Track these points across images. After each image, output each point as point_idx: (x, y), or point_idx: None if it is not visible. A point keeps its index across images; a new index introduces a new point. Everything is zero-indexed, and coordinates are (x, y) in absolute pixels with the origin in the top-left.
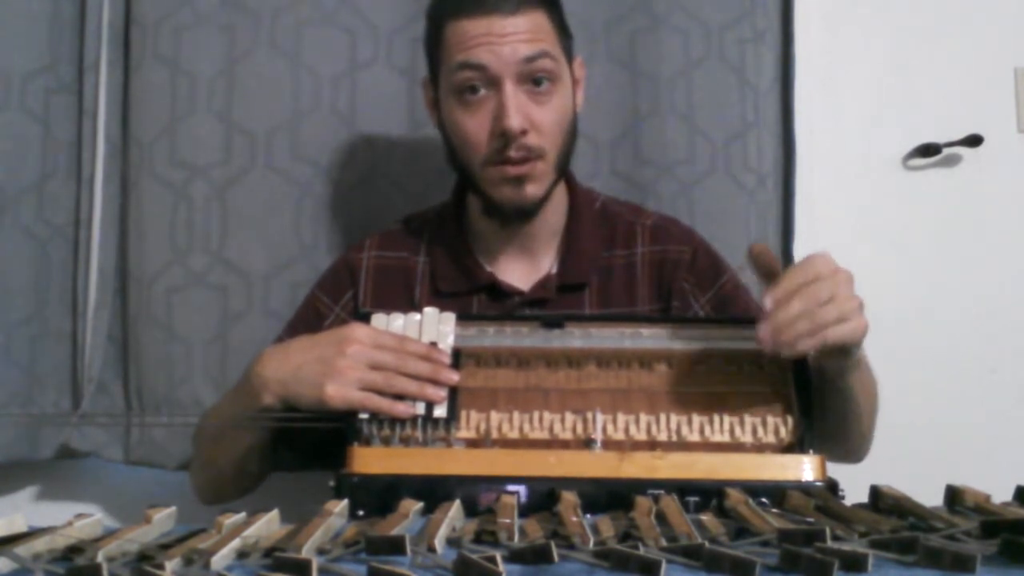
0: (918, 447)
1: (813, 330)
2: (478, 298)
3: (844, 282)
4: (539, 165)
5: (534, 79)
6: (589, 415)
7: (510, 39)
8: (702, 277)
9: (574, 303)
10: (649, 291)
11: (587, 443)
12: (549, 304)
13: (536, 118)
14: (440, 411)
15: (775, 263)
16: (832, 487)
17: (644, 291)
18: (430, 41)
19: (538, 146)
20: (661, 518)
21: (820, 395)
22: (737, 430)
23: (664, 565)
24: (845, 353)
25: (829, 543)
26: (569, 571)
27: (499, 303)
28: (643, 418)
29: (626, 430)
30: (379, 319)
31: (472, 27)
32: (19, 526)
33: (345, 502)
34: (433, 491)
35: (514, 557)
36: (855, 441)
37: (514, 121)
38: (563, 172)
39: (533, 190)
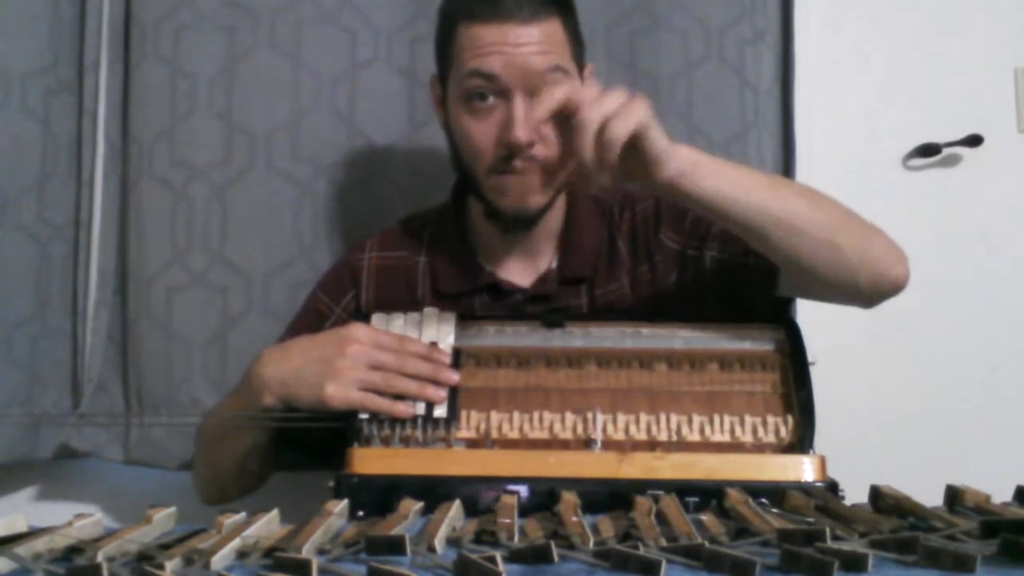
0: (918, 447)
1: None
2: (480, 298)
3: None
4: (543, 176)
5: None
6: (589, 415)
7: (523, 50)
8: (672, 218)
9: (573, 295)
10: (629, 261)
11: (587, 443)
12: (550, 299)
13: (543, 129)
14: (440, 411)
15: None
16: (832, 487)
17: (625, 263)
18: (441, 40)
19: (544, 157)
20: (661, 518)
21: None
22: (737, 430)
23: (664, 565)
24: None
25: (829, 543)
26: (569, 571)
27: (501, 302)
28: (643, 418)
29: (626, 430)
30: (379, 319)
31: (486, 33)
32: (19, 526)
33: (345, 502)
34: (433, 491)
35: (514, 557)
36: (817, 255)
37: (522, 133)
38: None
39: (536, 201)
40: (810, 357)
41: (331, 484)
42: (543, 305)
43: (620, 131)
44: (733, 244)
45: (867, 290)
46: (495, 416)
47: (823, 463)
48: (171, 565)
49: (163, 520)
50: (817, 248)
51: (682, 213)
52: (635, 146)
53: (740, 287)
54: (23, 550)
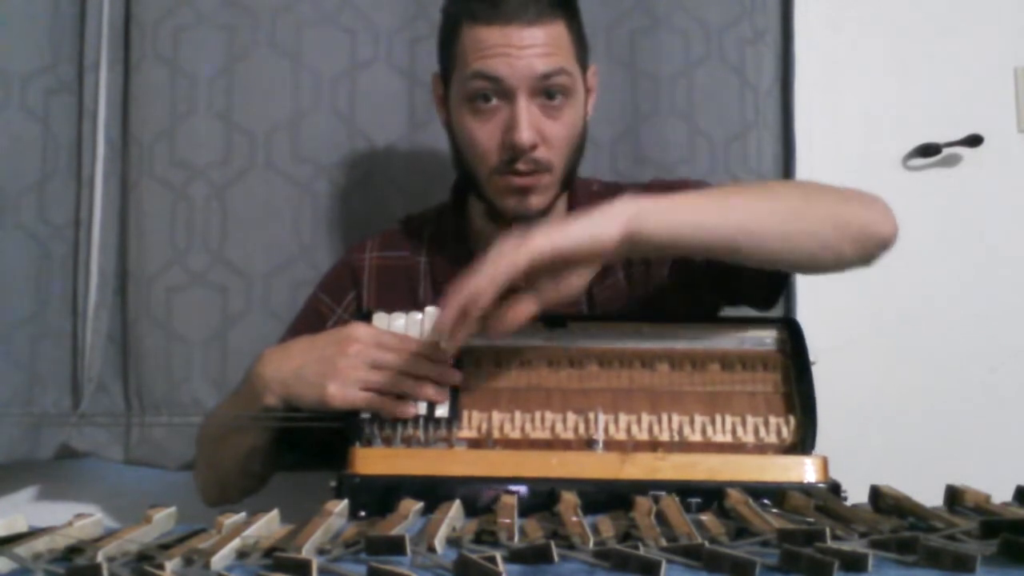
0: (918, 447)
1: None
2: None
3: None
4: (545, 178)
5: (548, 93)
6: (591, 415)
7: (527, 52)
8: None
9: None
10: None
11: (589, 443)
12: None
13: (547, 132)
14: (442, 411)
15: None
16: (835, 488)
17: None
18: (444, 40)
19: (546, 160)
20: (661, 518)
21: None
22: (739, 430)
23: (664, 565)
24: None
25: (829, 543)
26: (569, 571)
27: None
28: (645, 418)
29: (628, 430)
30: (380, 318)
31: (490, 35)
32: (19, 526)
33: (345, 502)
34: (434, 491)
35: (514, 557)
36: (791, 247)
37: (525, 136)
38: (568, 183)
39: (538, 202)
40: (811, 357)
41: (333, 484)
42: None
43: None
44: None
45: (854, 256)
46: (497, 416)
47: (825, 464)
48: (171, 565)
49: (163, 520)
50: (789, 242)
51: (670, 191)
52: (566, 260)
53: (731, 274)
54: (23, 550)
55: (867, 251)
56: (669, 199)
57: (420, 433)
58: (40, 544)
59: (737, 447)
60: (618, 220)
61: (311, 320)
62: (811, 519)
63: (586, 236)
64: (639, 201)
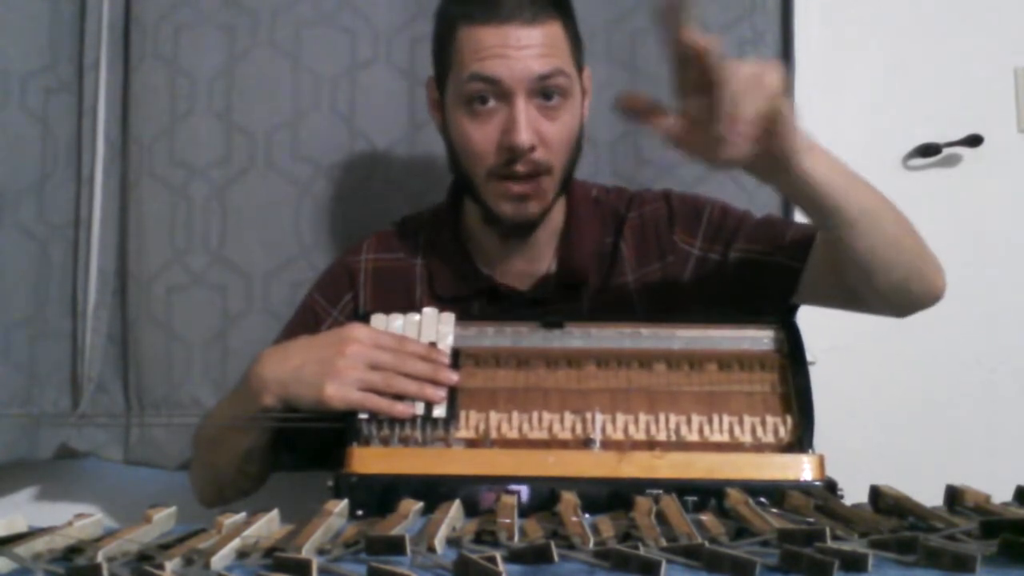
0: (918, 447)
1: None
2: (478, 302)
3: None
4: (544, 181)
5: (545, 94)
6: (588, 415)
7: (525, 53)
8: (686, 220)
9: (573, 299)
10: (634, 261)
11: (586, 443)
12: (549, 303)
13: (545, 133)
14: (439, 411)
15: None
16: (831, 486)
17: (629, 263)
18: (439, 42)
19: (545, 161)
20: (661, 518)
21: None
22: (736, 430)
23: (664, 565)
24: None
25: (829, 543)
26: (569, 571)
27: (499, 305)
28: (642, 418)
29: (625, 430)
30: (378, 319)
31: (487, 36)
32: (19, 526)
33: (345, 502)
34: (432, 491)
35: (514, 557)
36: (888, 252)
37: (524, 137)
38: (566, 185)
39: (536, 207)
40: (809, 357)
41: (330, 484)
42: (542, 309)
43: (748, 109)
44: (761, 243)
45: (917, 297)
46: (494, 416)
47: (821, 462)
48: (171, 565)
49: (163, 520)
50: (889, 245)
51: (696, 215)
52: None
53: (760, 283)
54: (23, 550)
55: (922, 298)
56: (832, 156)
57: (418, 433)
58: (40, 544)
59: (734, 447)
60: (807, 141)
61: (306, 321)
62: (811, 519)
63: (793, 145)
64: (812, 139)
